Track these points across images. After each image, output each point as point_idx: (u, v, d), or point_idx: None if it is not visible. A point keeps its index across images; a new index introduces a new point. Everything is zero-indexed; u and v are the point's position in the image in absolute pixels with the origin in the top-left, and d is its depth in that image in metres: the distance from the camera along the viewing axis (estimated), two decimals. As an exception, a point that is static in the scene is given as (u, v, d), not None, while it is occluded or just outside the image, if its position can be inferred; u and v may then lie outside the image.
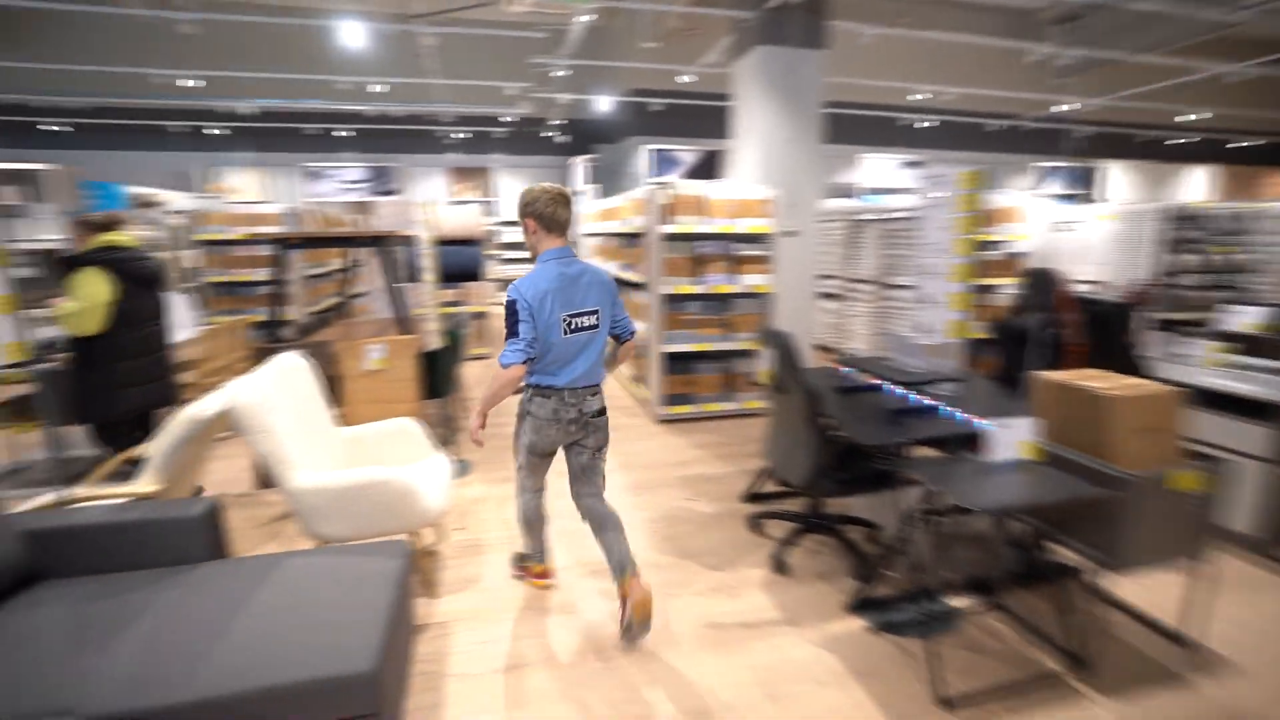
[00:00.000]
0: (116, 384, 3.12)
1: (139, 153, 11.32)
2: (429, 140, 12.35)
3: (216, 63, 8.55)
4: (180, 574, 1.95)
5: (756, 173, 5.61)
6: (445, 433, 4.33)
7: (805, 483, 2.73)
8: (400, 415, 3.14)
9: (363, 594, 1.83)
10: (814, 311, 5.98)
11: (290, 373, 2.76)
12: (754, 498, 3.61)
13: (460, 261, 7.51)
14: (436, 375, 4.02)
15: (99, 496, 2.29)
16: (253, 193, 11.60)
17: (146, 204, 7.43)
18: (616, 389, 6.16)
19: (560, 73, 8.01)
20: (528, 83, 9.10)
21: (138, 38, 8.94)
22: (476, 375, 6.76)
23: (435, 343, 3.89)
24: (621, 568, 2.33)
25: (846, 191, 8.05)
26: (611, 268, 6.52)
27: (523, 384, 2.34)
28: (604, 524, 2.44)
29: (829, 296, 7.30)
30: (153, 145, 11.35)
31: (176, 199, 7.49)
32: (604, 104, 10.30)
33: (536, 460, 2.46)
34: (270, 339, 3.95)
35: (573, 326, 2.26)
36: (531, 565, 2.77)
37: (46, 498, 2.30)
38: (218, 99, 9.49)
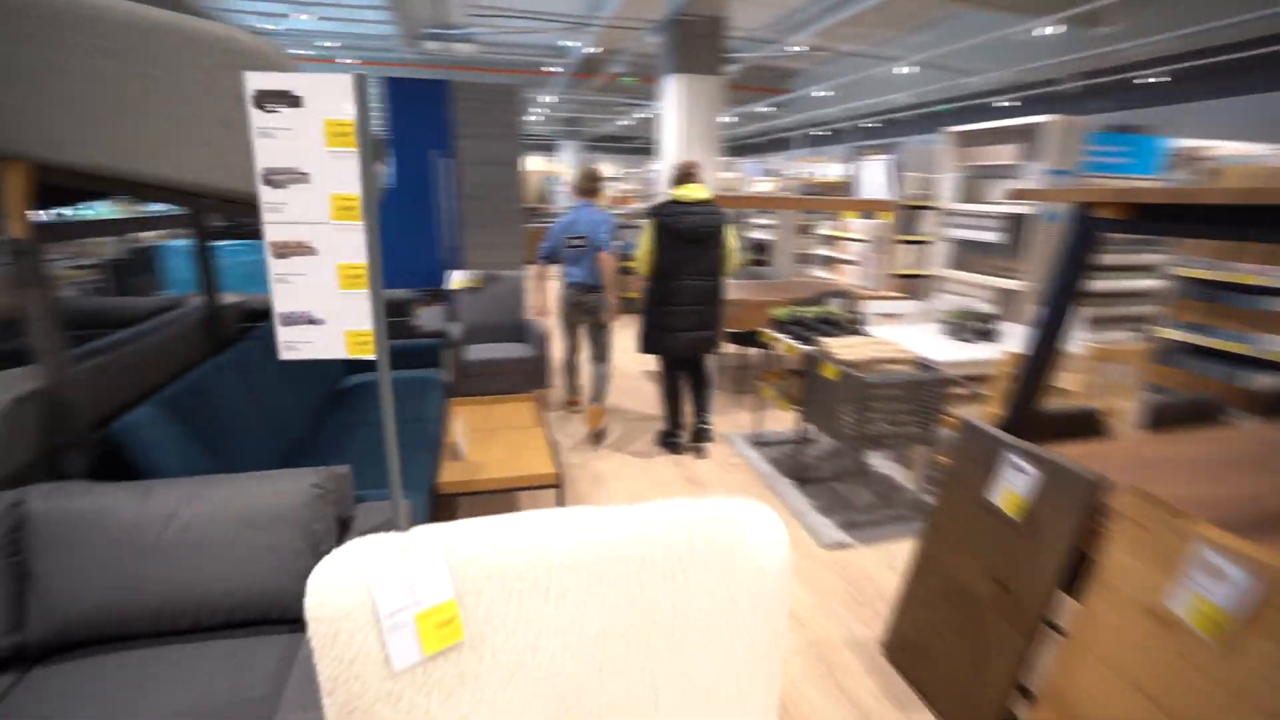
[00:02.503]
0: (657, 327, 3.46)
1: (1244, 98, 8.81)
2: None
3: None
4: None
5: None
6: None
7: None
8: None
9: None
10: None
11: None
12: None
13: None
14: None
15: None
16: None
17: (1190, 158, 5.72)
18: None
19: None
20: None
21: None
22: None
23: None
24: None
25: None
26: None
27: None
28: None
29: None
30: (1259, 87, 8.56)
31: (1231, 150, 5.35)
32: None
33: None
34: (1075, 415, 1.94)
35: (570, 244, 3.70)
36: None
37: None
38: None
